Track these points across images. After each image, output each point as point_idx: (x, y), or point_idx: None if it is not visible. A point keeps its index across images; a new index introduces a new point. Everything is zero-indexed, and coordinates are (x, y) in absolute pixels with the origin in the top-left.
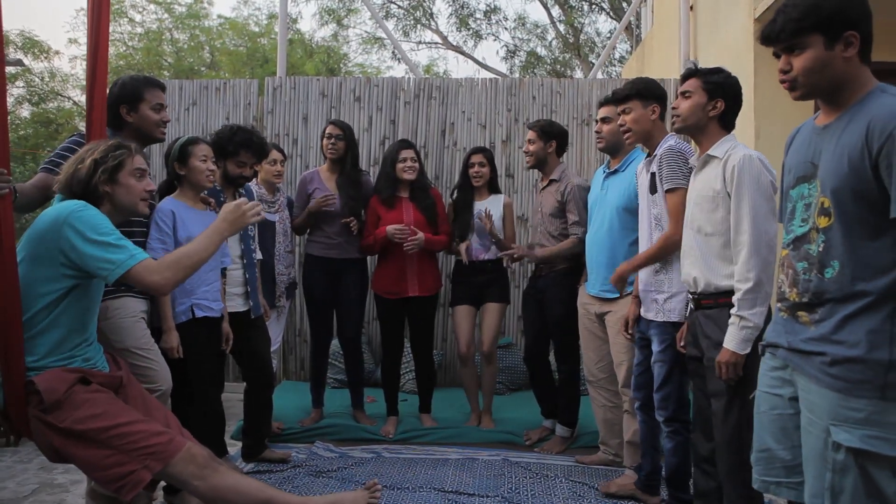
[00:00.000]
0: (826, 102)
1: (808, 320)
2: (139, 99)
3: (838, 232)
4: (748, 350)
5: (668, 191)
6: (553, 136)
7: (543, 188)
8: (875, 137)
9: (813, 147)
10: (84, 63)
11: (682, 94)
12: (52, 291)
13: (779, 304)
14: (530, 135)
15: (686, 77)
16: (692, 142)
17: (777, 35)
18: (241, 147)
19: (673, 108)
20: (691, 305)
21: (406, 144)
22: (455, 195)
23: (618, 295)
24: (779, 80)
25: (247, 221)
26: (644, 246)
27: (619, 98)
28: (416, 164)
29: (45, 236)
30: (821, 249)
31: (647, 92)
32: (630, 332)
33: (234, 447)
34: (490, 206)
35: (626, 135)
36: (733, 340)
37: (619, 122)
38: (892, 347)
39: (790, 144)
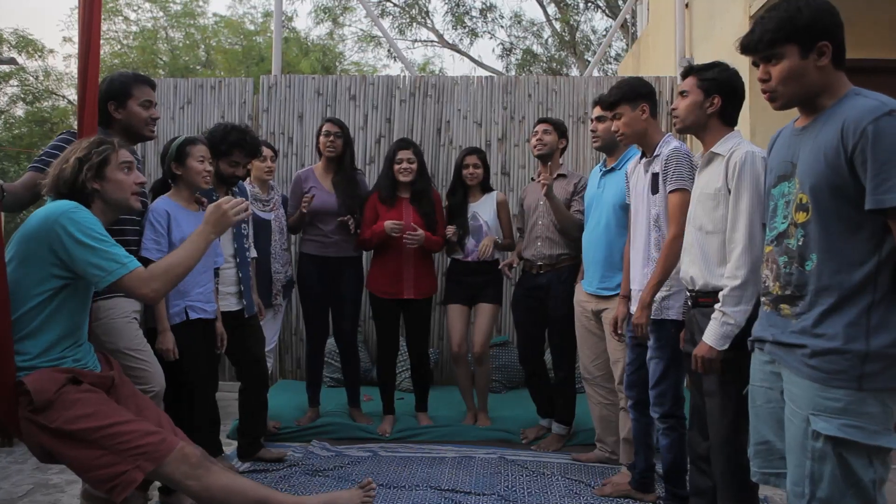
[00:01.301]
0: (804, 109)
1: (790, 313)
2: (127, 95)
3: (816, 226)
4: (725, 346)
5: (671, 191)
6: (565, 136)
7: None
8: (849, 135)
9: (792, 148)
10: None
11: (681, 93)
12: (43, 292)
13: (763, 298)
14: (545, 126)
15: (684, 76)
16: (691, 142)
17: (755, 45)
18: (234, 147)
19: (672, 109)
20: (689, 303)
21: (404, 145)
22: (449, 198)
23: (616, 293)
24: (760, 90)
25: (230, 221)
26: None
27: (607, 105)
28: (413, 166)
29: (36, 236)
30: (800, 243)
31: (633, 93)
32: (620, 332)
33: (230, 446)
34: (482, 208)
35: (620, 138)
36: (712, 335)
37: (612, 128)
38: (869, 339)
39: (772, 146)
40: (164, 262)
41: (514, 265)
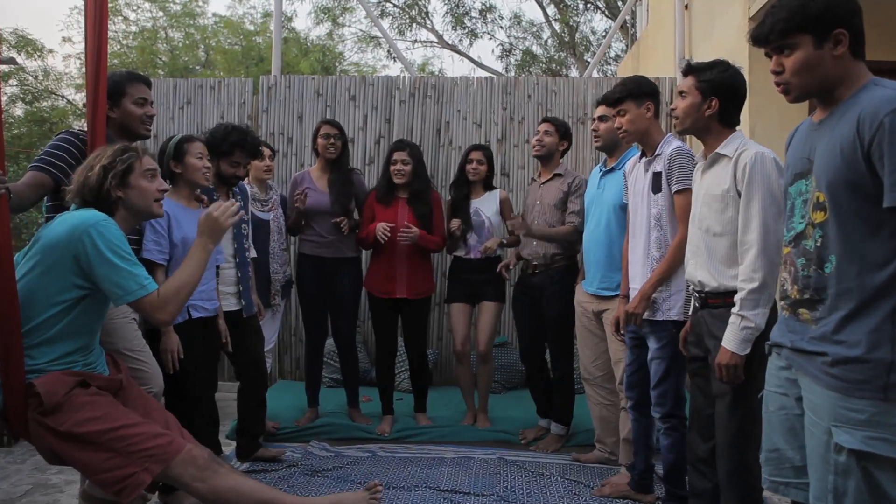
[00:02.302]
0: (820, 101)
1: (809, 318)
2: (121, 94)
3: (834, 226)
4: (747, 351)
5: (677, 192)
6: (566, 137)
7: (546, 182)
8: (866, 128)
9: (809, 143)
10: (78, 61)
11: (679, 93)
12: (63, 301)
13: (781, 302)
14: (547, 126)
15: (684, 74)
16: (692, 142)
17: (766, 36)
18: (235, 147)
19: (672, 110)
20: (696, 304)
21: (399, 146)
22: (452, 193)
23: (616, 293)
24: (774, 83)
25: (224, 226)
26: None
27: (612, 101)
28: (408, 168)
29: (63, 244)
30: (818, 244)
31: (639, 91)
32: (622, 332)
33: (229, 447)
34: (484, 204)
35: (623, 135)
36: (733, 340)
37: (615, 125)
38: (894, 347)
39: (789, 143)
40: (173, 284)
41: (511, 266)
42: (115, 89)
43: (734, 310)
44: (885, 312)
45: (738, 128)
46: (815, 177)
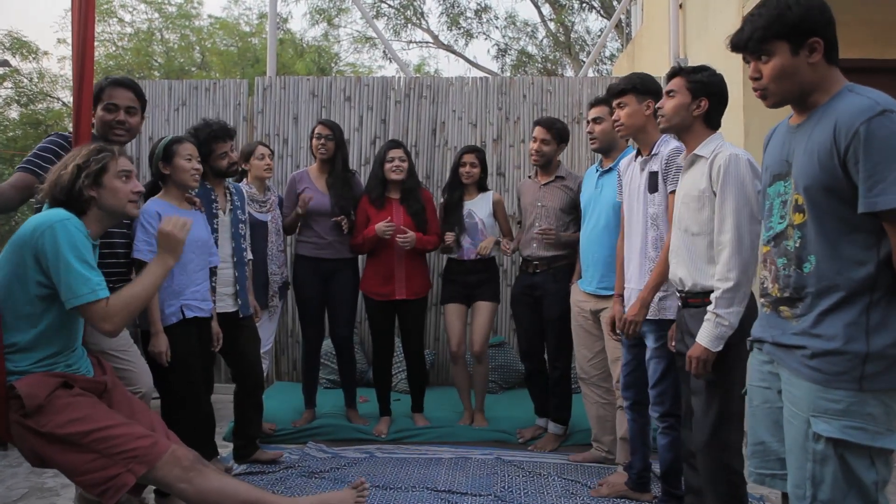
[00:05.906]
0: (797, 106)
1: (790, 315)
2: (97, 99)
3: (812, 228)
4: (720, 348)
5: (673, 192)
6: (564, 139)
7: (547, 184)
8: (842, 136)
9: (787, 146)
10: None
11: (667, 93)
12: (34, 302)
13: (762, 300)
14: (543, 134)
15: (671, 76)
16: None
17: (745, 43)
18: (211, 141)
19: (657, 108)
20: (679, 303)
21: (394, 145)
22: (445, 195)
23: (613, 292)
24: (752, 88)
25: (180, 239)
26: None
27: (614, 92)
28: (404, 165)
29: (24, 242)
30: (797, 245)
31: (642, 87)
32: (617, 332)
33: (226, 448)
34: (478, 206)
35: (619, 128)
36: (707, 337)
37: (613, 117)
38: (869, 339)
39: (767, 143)
40: (123, 297)
41: (511, 250)
42: (95, 95)
43: (710, 308)
44: (861, 307)
45: (718, 131)
46: (794, 180)
